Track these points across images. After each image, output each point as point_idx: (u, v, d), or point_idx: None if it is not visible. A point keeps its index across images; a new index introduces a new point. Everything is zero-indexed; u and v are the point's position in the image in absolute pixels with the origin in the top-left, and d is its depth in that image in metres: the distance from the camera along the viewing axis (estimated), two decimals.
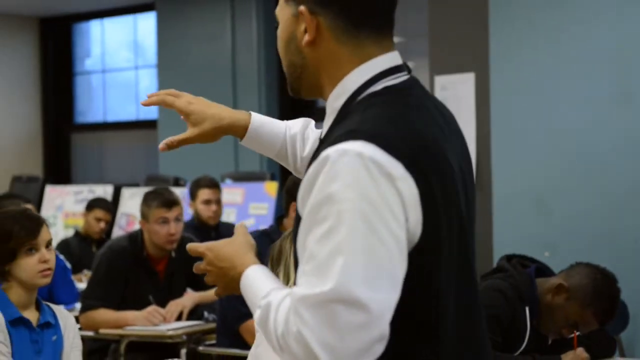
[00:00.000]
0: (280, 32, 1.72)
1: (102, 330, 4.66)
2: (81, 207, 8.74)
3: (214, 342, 4.48)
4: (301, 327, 1.48)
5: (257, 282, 1.65)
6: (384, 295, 1.49)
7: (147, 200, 4.79)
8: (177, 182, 8.56)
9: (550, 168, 5.38)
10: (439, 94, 5.73)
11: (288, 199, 4.19)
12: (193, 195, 6.23)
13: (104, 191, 8.98)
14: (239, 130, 2.07)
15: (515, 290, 3.58)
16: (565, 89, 5.35)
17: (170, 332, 4.55)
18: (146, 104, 2.07)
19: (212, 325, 4.63)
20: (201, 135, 2.03)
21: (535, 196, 5.42)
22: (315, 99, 1.77)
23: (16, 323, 3.29)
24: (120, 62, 10.61)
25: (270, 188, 7.81)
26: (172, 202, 4.77)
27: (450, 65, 5.68)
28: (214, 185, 6.23)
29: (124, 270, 4.73)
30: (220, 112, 2.05)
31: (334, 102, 1.68)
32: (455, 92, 5.65)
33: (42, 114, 10.98)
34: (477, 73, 5.55)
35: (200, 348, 4.51)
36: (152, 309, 4.68)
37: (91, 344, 4.89)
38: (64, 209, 9.12)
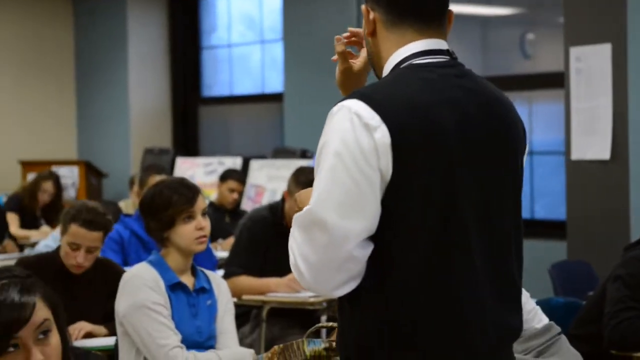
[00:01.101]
0: (363, 28, 2.12)
1: (245, 297, 4.82)
2: (211, 179, 9.01)
3: None
4: (292, 241, 1.92)
5: None
6: (348, 222, 1.86)
7: (296, 177, 4.89)
8: (304, 154, 8.71)
9: None
10: (573, 66, 5.68)
11: None
12: None
13: (233, 163, 9.21)
14: None
15: None
16: None
17: (312, 299, 4.68)
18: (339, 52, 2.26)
19: None
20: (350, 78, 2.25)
21: None
22: None
23: (175, 288, 3.45)
24: (245, 36, 10.81)
25: None
26: None
27: (586, 35, 5.62)
28: None
29: (265, 239, 4.87)
30: None
31: None
32: (591, 64, 5.59)
33: (171, 88, 11.29)
34: (614, 44, 5.48)
35: None
36: (293, 276, 4.81)
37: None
38: (194, 180, 9.37)
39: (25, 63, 11.11)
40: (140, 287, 3.40)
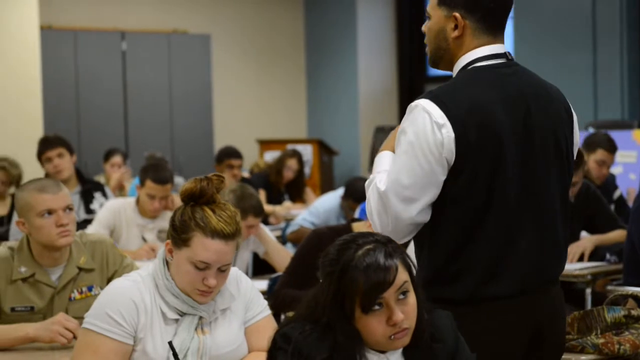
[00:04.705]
0: (432, 25, 2.53)
1: None
2: None
3: (620, 281, 4.63)
4: (369, 199, 2.46)
5: (381, 160, 2.52)
6: (408, 204, 2.38)
7: None
8: None
9: None
10: None
11: None
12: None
13: None
14: None
15: None
16: None
17: (577, 272, 4.76)
18: None
19: (617, 266, 4.80)
20: None
21: None
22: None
23: None
24: None
25: (638, 136, 7.77)
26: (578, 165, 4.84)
27: None
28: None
29: None
30: None
31: (454, 73, 2.53)
32: None
33: (397, 68, 11.52)
34: None
35: (609, 287, 4.67)
36: None
37: None
38: None
39: (261, 50, 11.66)
40: None
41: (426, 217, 2.43)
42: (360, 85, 11.30)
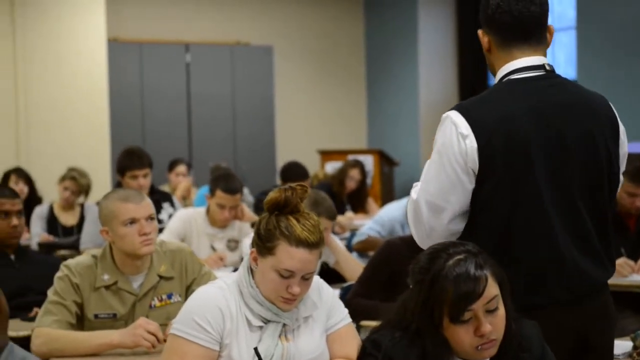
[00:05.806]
0: (482, 43, 2.65)
1: None
2: None
3: None
4: (408, 208, 2.57)
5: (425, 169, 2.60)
6: (436, 213, 2.46)
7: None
8: None
9: None
10: None
11: None
12: None
13: None
14: None
15: None
16: None
17: None
18: None
19: None
20: None
21: None
22: None
23: None
24: None
25: None
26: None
27: None
28: None
29: None
30: None
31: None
32: None
33: (458, 79, 11.51)
34: None
35: None
36: (623, 261, 4.88)
37: None
38: None
39: (322, 61, 11.74)
40: None
41: (460, 226, 2.51)
42: (420, 95, 11.31)
